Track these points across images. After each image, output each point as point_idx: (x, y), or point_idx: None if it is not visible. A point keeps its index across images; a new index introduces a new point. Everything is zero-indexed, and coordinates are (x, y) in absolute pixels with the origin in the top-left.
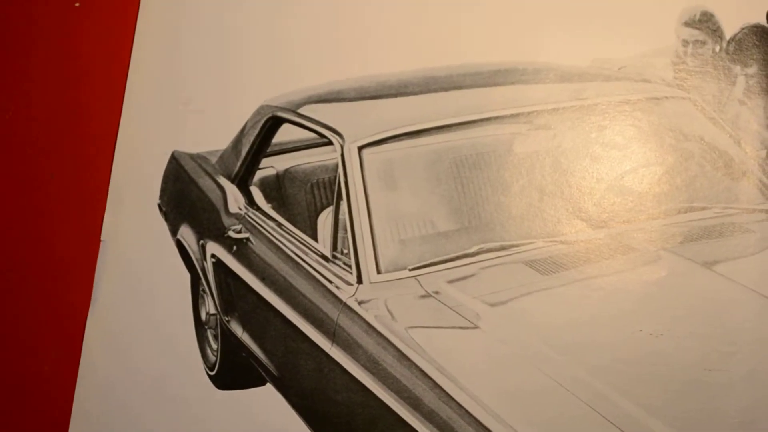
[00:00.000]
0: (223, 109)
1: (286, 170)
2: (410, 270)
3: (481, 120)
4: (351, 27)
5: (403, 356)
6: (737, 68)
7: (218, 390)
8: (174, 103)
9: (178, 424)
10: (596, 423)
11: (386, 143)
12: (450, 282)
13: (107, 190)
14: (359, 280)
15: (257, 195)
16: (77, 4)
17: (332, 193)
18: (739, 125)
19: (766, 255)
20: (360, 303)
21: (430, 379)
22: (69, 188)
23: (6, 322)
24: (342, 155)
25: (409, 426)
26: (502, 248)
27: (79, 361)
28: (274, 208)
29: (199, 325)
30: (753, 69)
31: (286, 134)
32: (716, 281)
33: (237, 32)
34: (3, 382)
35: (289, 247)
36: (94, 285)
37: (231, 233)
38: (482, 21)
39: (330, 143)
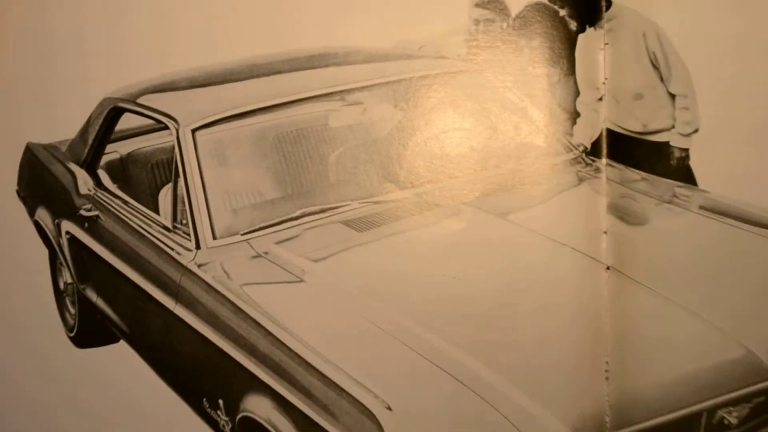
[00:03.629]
0: (70, 102)
1: (129, 154)
2: (242, 235)
3: (300, 100)
4: (179, 24)
5: (238, 310)
6: (523, 41)
7: (75, 347)
8: (26, 99)
9: (44, 380)
10: (410, 357)
11: (216, 125)
12: (278, 243)
13: None
14: (197, 246)
15: (104, 177)
16: None
17: (171, 171)
18: (526, 91)
19: (551, 204)
20: (199, 266)
21: (263, 328)
22: None
23: None
24: (177, 138)
25: (247, 370)
26: (322, 211)
27: None
28: (119, 187)
29: (58, 294)
30: (536, 41)
31: (127, 122)
32: (509, 229)
33: (77, 31)
34: None
35: (134, 221)
36: None
37: (82, 212)
38: (295, 11)
39: (166, 128)
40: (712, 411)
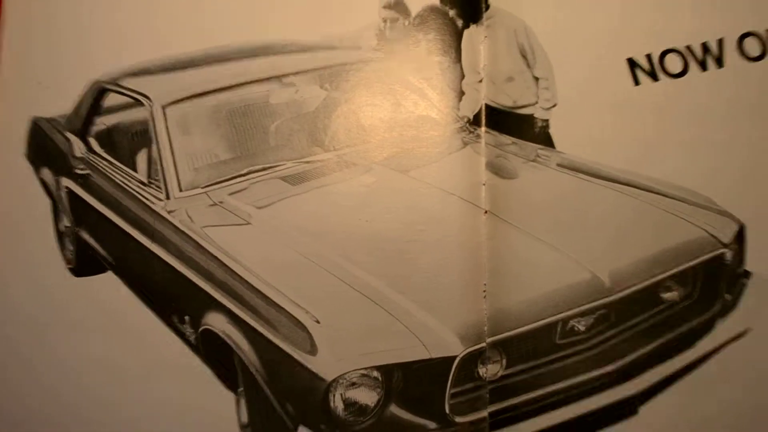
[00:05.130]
0: (67, 85)
1: (113, 125)
2: (202, 188)
3: (247, 82)
4: (156, 20)
5: (200, 246)
6: (420, 35)
7: (75, 277)
8: (32, 82)
9: (48, 303)
10: (333, 282)
11: (182, 102)
12: (230, 194)
13: None
14: (167, 197)
15: (94, 143)
16: None
17: (146, 138)
18: (423, 75)
19: (442, 162)
20: (169, 212)
21: (219, 260)
22: None
23: None
24: (151, 112)
25: (207, 293)
26: (264, 169)
27: None
28: (106, 151)
29: (59, 235)
30: (431, 36)
31: (112, 100)
32: (410, 182)
33: (76, 25)
34: None
35: (118, 178)
36: None
37: (77, 170)
38: (244, 12)
39: (142, 104)
40: (565, 321)
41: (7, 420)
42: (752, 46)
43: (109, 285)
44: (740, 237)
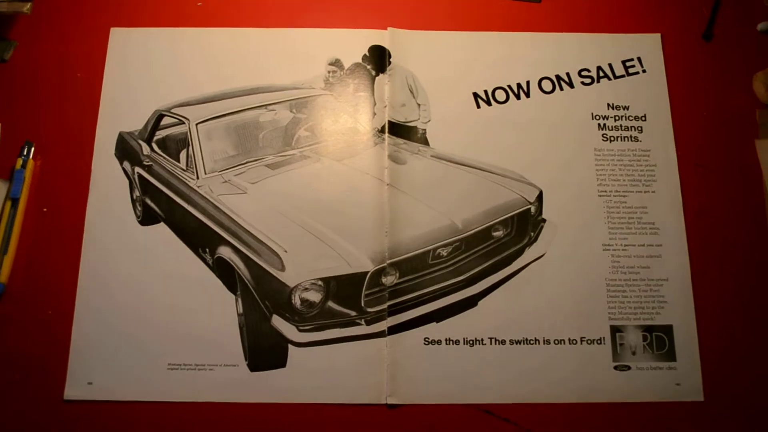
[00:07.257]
0: (139, 113)
1: (167, 135)
2: (218, 172)
3: (246, 109)
4: (188, 75)
5: (216, 206)
6: (350, 80)
7: (140, 225)
8: (120, 111)
9: (125, 240)
10: (295, 227)
11: (207, 122)
12: (235, 175)
13: (93, 151)
14: (197, 177)
15: (155, 146)
16: (79, 75)
17: (186, 143)
18: (352, 104)
19: (363, 155)
20: (198, 186)
21: (227, 215)
22: (72, 147)
23: None
24: (189, 127)
25: (219, 234)
26: (255, 160)
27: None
28: (162, 151)
29: (133, 201)
30: (357, 80)
31: (165, 120)
32: (343, 167)
33: (145, 78)
34: None
35: (169, 167)
36: (91, 183)
37: (144, 163)
38: (244, 69)
39: (183, 123)
40: (435, 249)
41: (101, 312)
42: (546, 85)
43: (162, 231)
44: (540, 198)
